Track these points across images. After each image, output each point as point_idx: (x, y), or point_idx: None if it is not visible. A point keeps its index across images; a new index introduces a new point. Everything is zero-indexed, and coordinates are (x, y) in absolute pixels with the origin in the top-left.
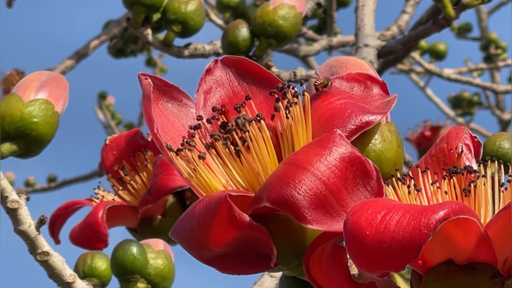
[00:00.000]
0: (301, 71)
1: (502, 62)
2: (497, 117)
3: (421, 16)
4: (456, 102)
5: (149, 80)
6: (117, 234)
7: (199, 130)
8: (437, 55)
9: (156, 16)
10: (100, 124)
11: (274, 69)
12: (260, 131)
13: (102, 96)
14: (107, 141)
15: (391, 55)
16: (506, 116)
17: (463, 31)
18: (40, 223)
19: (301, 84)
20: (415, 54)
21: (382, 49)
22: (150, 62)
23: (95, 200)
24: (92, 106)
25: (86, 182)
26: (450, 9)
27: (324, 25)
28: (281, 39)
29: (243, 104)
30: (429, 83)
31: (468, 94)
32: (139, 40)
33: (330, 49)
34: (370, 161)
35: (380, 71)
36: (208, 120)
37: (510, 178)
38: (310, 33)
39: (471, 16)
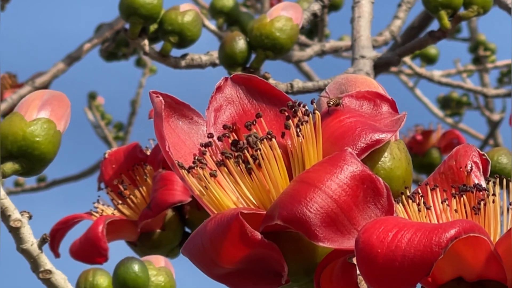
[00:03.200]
0: (298, 83)
1: (491, 64)
2: (486, 118)
3: (413, 21)
4: (445, 103)
5: (161, 98)
6: (116, 248)
7: (210, 148)
8: (428, 59)
9: (153, 27)
10: (89, 125)
11: (271, 80)
12: (271, 150)
13: (92, 97)
14: (106, 155)
15: (387, 66)
16: (495, 117)
17: (452, 32)
18: (42, 241)
19: (312, 102)
20: (406, 58)
21: (379, 61)
22: (139, 63)
23: (94, 214)
24: (81, 107)
25: (75, 182)
26: (446, 21)
27: (315, 29)
28: (278, 51)
29: (254, 122)
30: (418, 84)
31: (457, 95)
32: (131, 44)
33: (322, 54)
34: (380, 179)
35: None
36: (219, 138)
37: None
38: (303, 38)
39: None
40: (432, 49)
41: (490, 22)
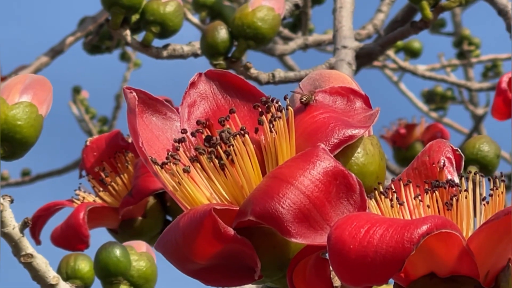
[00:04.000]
0: (280, 73)
1: (475, 58)
2: (470, 112)
3: (396, 14)
4: (430, 97)
5: (134, 94)
6: (98, 235)
7: (183, 143)
8: (412, 53)
9: (135, 17)
10: (74, 119)
11: (253, 70)
12: (244, 145)
13: (76, 91)
14: (88, 143)
15: (369, 56)
16: (479, 111)
17: (436, 27)
18: (24, 225)
19: (285, 98)
20: (390, 52)
21: (360, 51)
22: (124, 57)
23: (76, 201)
24: (66, 101)
25: (60, 176)
26: (428, 12)
27: (299, 23)
28: (260, 41)
29: (227, 118)
30: (403, 78)
31: (441, 89)
32: (114, 37)
33: (305, 48)
34: (353, 174)
35: (356, 70)
36: (192, 134)
37: (491, 192)
38: (286, 31)
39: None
40: (415, 43)
41: (474, 16)
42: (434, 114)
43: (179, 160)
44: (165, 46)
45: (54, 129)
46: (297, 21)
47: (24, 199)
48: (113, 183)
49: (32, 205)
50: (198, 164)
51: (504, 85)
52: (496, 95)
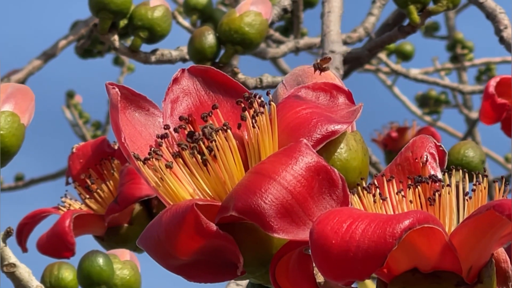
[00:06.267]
0: (267, 78)
1: (468, 62)
2: (464, 116)
3: (387, 18)
4: (423, 101)
5: (117, 89)
6: (84, 243)
7: (166, 139)
8: (404, 56)
9: (123, 22)
10: (67, 123)
11: (240, 75)
12: (227, 141)
13: (70, 95)
14: (74, 150)
15: (357, 61)
16: (473, 115)
17: (430, 30)
18: (6, 234)
19: (268, 94)
20: (382, 55)
21: (348, 55)
22: (117, 61)
23: (62, 208)
24: (59, 105)
25: (53, 181)
26: (416, 16)
27: (290, 26)
28: (247, 46)
29: (210, 114)
30: (396, 82)
31: (435, 93)
32: (101, 39)
33: (297, 51)
34: (335, 170)
35: (345, 74)
36: (175, 130)
37: (474, 187)
38: (277, 35)
39: (439, 15)
40: (407, 46)
41: (468, 20)
42: (428, 118)
43: (162, 156)
44: (153, 51)
45: (48, 134)
46: (288, 24)
47: (18, 204)
48: (99, 190)
49: (25, 210)
50: (181, 160)
51: (491, 89)
52: (484, 99)
